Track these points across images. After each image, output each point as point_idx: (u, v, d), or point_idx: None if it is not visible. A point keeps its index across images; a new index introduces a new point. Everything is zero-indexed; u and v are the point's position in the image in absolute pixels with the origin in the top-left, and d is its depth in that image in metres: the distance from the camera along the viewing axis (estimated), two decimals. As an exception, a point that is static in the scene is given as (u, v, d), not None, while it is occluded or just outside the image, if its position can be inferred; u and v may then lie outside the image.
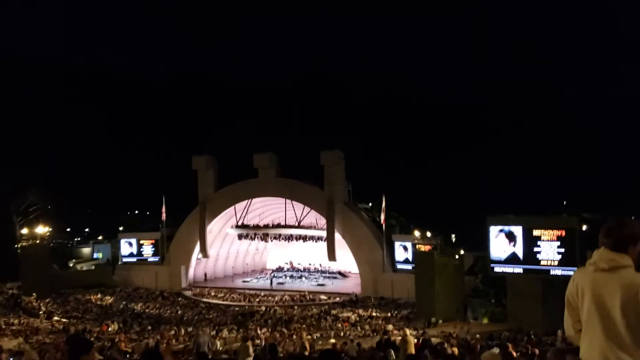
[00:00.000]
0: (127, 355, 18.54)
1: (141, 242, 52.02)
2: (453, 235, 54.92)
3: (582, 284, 3.05)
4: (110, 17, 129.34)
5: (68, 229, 72.83)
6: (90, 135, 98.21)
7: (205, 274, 53.44)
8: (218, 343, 20.51)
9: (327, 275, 51.56)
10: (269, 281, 49.95)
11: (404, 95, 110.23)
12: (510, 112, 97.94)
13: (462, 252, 37.53)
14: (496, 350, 11.99)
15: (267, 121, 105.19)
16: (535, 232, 26.74)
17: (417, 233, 41.58)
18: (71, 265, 55.05)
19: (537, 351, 14.51)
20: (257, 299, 43.68)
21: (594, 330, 2.92)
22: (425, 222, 46.83)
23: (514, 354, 10.22)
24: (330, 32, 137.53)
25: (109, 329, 30.37)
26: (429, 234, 39.64)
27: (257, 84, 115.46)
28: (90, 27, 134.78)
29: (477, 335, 22.39)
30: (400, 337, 16.68)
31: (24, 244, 47.64)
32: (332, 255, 45.70)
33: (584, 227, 29.33)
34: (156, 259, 51.43)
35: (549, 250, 26.28)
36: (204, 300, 44.71)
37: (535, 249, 26.60)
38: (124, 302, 42.92)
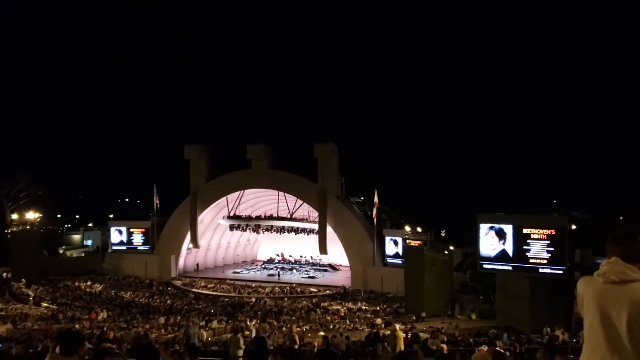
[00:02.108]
0: (116, 344, 18.55)
1: (131, 230, 51.84)
2: (443, 231, 55.32)
3: (587, 295, 3.01)
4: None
5: (59, 215, 72.62)
6: (82, 121, 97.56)
7: (198, 264, 53.42)
8: (205, 334, 20.53)
9: (318, 267, 51.75)
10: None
11: (398, 89, 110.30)
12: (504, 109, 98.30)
13: (451, 247, 37.83)
14: (484, 347, 12.17)
15: (262, 111, 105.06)
16: (525, 230, 26.85)
17: (407, 228, 41.84)
18: (61, 251, 54.91)
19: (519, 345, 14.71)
20: (247, 291, 43.76)
21: (597, 340, 2.89)
22: (416, 217, 47.13)
23: (503, 352, 10.35)
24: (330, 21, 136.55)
25: (98, 317, 30.35)
26: (419, 229, 39.89)
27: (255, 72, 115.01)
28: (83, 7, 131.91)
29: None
30: (389, 332, 16.82)
31: (14, 229, 47.39)
32: (323, 248, 45.82)
33: (573, 227, 29.59)
34: (146, 247, 51.31)
35: (538, 249, 26.42)
36: (194, 290, 44.71)
37: (525, 247, 26.76)
38: (113, 291, 42.88)
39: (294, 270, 51.55)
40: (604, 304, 2.89)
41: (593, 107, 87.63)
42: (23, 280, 42.19)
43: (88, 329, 24.08)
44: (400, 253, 41.42)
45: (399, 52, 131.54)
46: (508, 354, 11.58)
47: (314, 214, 46.99)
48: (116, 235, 52.05)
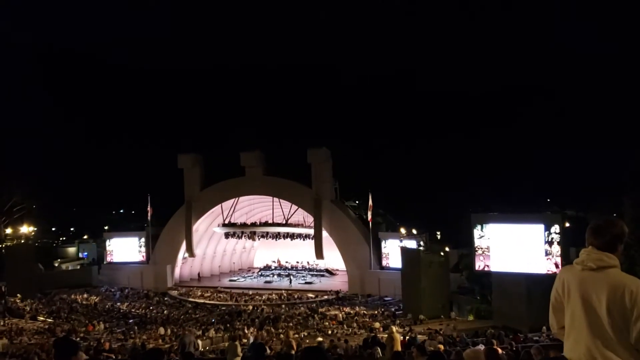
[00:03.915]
0: (114, 355, 18.46)
1: (127, 241, 51.56)
2: (438, 233, 55.35)
3: (568, 283, 3.10)
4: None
5: (53, 229, 72.32)
6: (74, 132, 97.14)
7: (199, 274, 53.32)
8: (200, 343, 20.45)
9: (315, 273, 51.61)
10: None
11: (390, 87, 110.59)
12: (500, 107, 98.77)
13: (447, 249, 37.86)
14: (481, 347, 12.17)
15: (254, 117, 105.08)
16: (520, 229, 26.97)
17: (403, 230, 41.88)
18: (56, 264, 54.59)
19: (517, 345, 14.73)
20: (244, 299, 43.62)
21: (580, 327, 2.98)
22: (411, 219, 47.18)
23: (499, 350, 10.36)
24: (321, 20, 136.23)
25: (95, 329, 30.20)
26: (414, 231, 39.96)
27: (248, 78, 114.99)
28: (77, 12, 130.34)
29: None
30: (386, 335, 16.81)
31: (9, 243, 47.17)
32: (319, 253, 45.79)
33: (567, 225, 29.70)
34: (142, 258, 51.06)
35: (533, 247, 26.50)
36: (190, 299, 44.54)
37: (520, 246, 26.83)
38: (109, 302, 42.66)
39: (291, 276, 51.42)
40: (585, 290, 2.98)
41: (588, 101, 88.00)
42: (18, 294, 41.94)
43: (85, 341, 23.92)
44: (397, 256, 41.43)
45: (389, 50, 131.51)
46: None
47: (309, 219, 46.97)
48: (111, 246, 51.85)
